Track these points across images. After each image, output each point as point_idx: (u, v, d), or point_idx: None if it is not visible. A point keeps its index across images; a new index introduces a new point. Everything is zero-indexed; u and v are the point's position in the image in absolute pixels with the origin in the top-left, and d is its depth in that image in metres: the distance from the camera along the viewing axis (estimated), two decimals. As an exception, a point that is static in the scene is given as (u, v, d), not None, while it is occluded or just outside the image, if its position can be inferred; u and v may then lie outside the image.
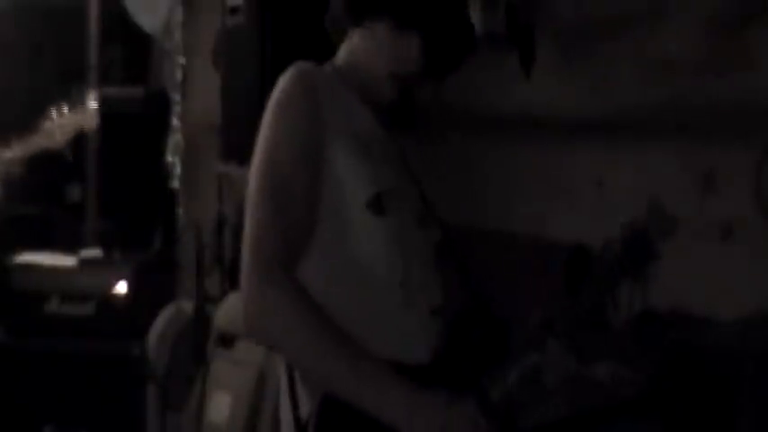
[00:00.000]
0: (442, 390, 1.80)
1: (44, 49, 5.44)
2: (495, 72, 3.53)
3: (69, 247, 4.81)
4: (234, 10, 3.59)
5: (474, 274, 1.99)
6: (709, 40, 3.02)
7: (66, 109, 3.84)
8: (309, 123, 1.85)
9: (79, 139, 4.72)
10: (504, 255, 3.35)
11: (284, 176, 1.83)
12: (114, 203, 5.31)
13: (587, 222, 3.29)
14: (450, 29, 1.97)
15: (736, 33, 2.95)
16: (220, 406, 3.62)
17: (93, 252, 4.73)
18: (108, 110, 4.95)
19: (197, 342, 3.91)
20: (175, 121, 4.89)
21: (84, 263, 4.62)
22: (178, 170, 4.85)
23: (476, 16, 3.09)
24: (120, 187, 5.28)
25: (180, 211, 5.01)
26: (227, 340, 3.72)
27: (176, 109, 4.91)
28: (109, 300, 4.45)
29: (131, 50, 5.59)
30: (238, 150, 3.47)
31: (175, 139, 4.87)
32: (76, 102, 3.70)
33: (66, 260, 4.64)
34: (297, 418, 1.86)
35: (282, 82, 1.88)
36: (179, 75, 4.91)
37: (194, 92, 4.85)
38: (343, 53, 2.01)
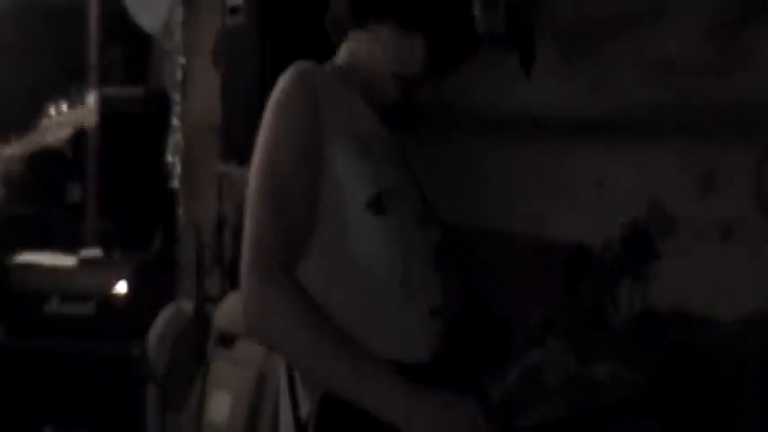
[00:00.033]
0: (441, 390, 1.80)
1: (44, 49, 5.44)
2: (495, 72, 3.53)
3: (69, 247, 4.81)
4: (234, 10, 3.59)
5: (474, 274, 1.99)
6: (710, 40, 3.02)
7: (64, 106, 3.84)
8: (309, 123, 1.85)
9: (79, 138, 4.74)
10: (504, 255, 3.35)
11: (284, 176, 1.83)
12: (114, 203, 5.32)
13: (587, 222, 3.29)
14: (454, 28, 1.97)
15: (736, 33, 2.95)
16: (220, 406, 3.62)
17: (93, 252, 4.73)
18: (108, 110, 4.97)
19: (197, 342, 3.91)
20: (175, 121, 4.90)
21: (84, 263, 4.63)
22: (178, 170, 4.85)
23: (476, 16, 3.10)
24: (120, 187, 5.29)
25: (180, 211, 5.01)
26: (227, 340, 3.72)
27: (176, 109, 4.91)
28: (109, 300, 4.45)
29: (131, 50, 5.59)
30: (238, 150, 3.47)
31: (175, 139, 4.87)
32: (76, 101, 3.71)
33: (66, 260, 4.64)
34: (297, 418, 1.86)
35: (282, 82, 1.88)
36: (179, 75, 4.91)
37: (194, 92, 4.85)
38: (343, 53, 2.01)
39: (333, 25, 2.03)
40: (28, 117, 3.74)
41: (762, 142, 2.88)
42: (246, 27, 3.51)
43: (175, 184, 4.89)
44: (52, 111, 3.79)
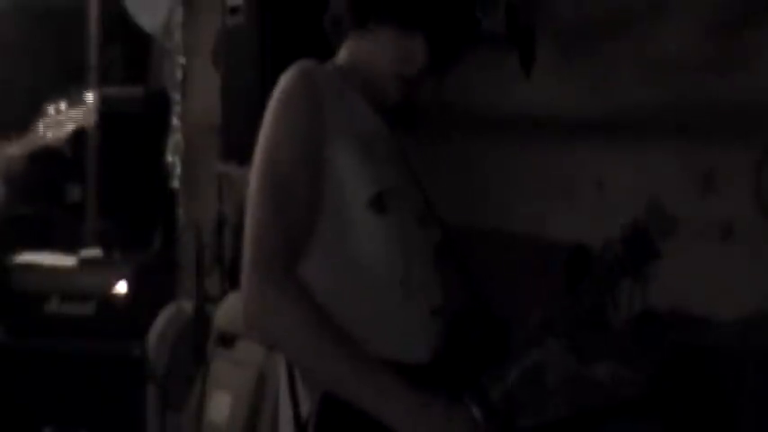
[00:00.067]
0: (442, 392, 1.80)
1: (44, 49, 5.43)
2: (495, 72, 3.53)
3: (69, 247, 4.80)
4: (234, 10, 3.59)
5: (474, 274, 1.99)
6: (710, 41, 3.02)
7: (63, 106, 3.84)
8: (311, 122, 1.85)
9: (79, 138, 4.73)
10: (504, 255, 3.35)
11: (285, 176, 1.83)
12: (114, 203, 5.31)
13: (587, 222, 3.30)
14: (454, 27, 1.97)
15: (736, 33, 2.95)
16: (220, 406, 3.62)
17: (93, 252, 4.73)
18: (108, 110, 4.96)
19: (197, 342, 3.91)
20: (175, 121, 4.89)
21: (84, 263, 4.62)
22: (178, 170, 4.84)
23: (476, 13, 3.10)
24: (120, 187, 5.28)
25: (180, 211, 5.01)
26: (227, 340, 3.72)
27: (176, 109, 4.91)
28: (109, 300, 4.45)
29: (131, 50, 5.59)
30: (238, 150, 3.47)
31: (175, 139, 4.86)
32: (76, 101, 3.71)
33: (66, 260, 4.64)
34: (297, 417, 1.86)
35: (284, 81, 1.88)
36: (179, 75, 4.91)
37: (194, 92, 4.85)
38: (344, 53, 2.01)
39: (332, 26, 2.03)
40: (28, 117, 3.73)
41: (762, 142, 2.88)
42: (246, 27, 3.51)
43: (175, 184, 4.88)
44: (51, 110, 3.77)
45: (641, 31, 3.21)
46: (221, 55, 3.81)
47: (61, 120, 3.75)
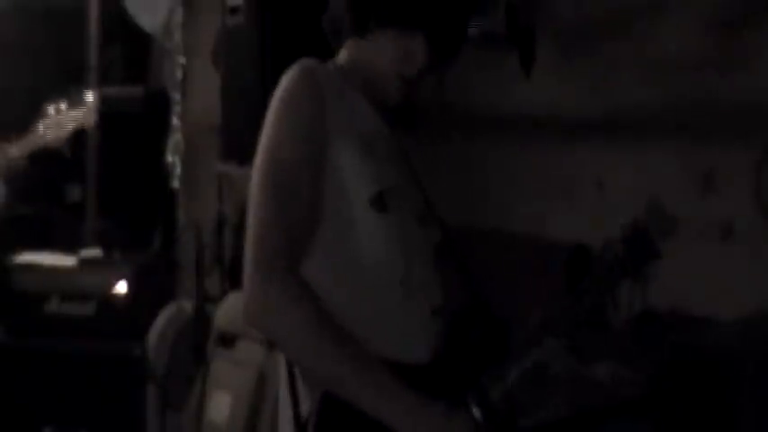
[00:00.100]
0: (442, 392, 1.80)
1: (44, 50, 5.43)
2: (495, 72, 3.53)
3: (69, 247, 4.80)
4: (234, 10, 3.59)
5: (474, 274, 1.99)
6: (710, 40, 3.02)
7: (63, 106, 3.83)
8: (313, 122, 1.85)
9: (79, 138, 4.72)
10: (504, 255, 3.35)
11: (287, 176, 1.83)
12: (114, 203, 5.31)
13: (587, 222, 3.30)
14: (454, 27, 1.97)
15: (736, 33, 2.95)
16: (220, 406, 3.62)
17: (93, 252, 4.72)
18: (108, 110, 4.95)
19: (197, 342, 3.91)
20: (175, 121, 4.89)
21: (84, 263, 4.61)
22: (178, 170, 4.84)
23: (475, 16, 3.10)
24: (120, 187, 5.28)
25: (180, 211, 5.01)
26: (227, 340, 3.72)
27: (176, 109, 4.90)
28: (109, 300, 4.44)
29: (131, 50, 5.58)
30: (238, 150, 3.47)
31: (175, 139, 4.86)
32: (76, 102, 3.70)
33: (66, 260, 4.63)
34: (297, 416, 1.86)
35: (286, 80, 1.88)
36: (179, 75, 4.91)
37: (194, 92, 4.84)
38: (344, 54, 2.01)
39: (331, 27, 2.03)
40: (28, 117, 3.73)
41: (762, 142, 2.88)
42: (246, 27, 3.51)
43: (175, 184, 4.88)
44: (51, 111, 3.77)
45: (641, 31, 3.21)
46: (221, 55, 3.81)
47: (61, 120, 3.75)
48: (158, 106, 5.11)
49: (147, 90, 5.41)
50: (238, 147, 3.45)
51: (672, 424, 2.70)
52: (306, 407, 1.85)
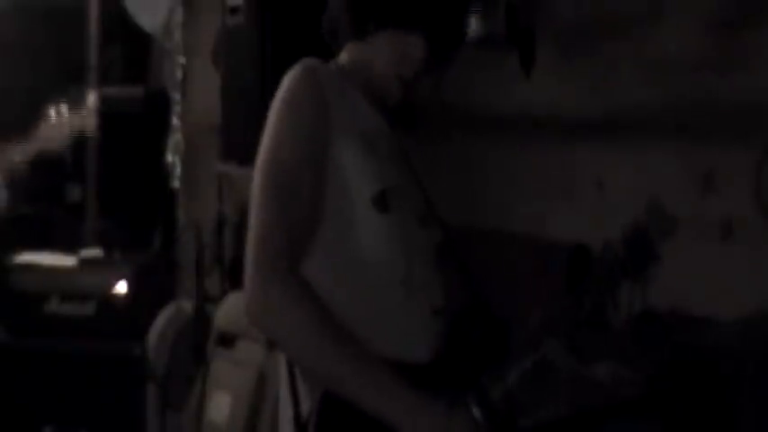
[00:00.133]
0: (443, 393, 1.81)
1: (44, 49, 5.43)
2: (495, 72, 3.53)
3: (69, 247, 4.80)
4: (234, 10, 3.59)
5: (474, 275, 1.99)
6: (709, 40, 3.02)
7: (64, 109, 3.84)
8: (315, 122, 1.85)
9: (79, 139, 4.73)
10: (504, 255, 3.35)
11: (289, 176, 1.83)
12: (114, 203, 5.31)
13: (587, 222, 3.30)
14: (452, 27, 1.97)
15: (736, 33, 2.95)
16: (220, 406, 3.62)
17: (93, 252, 4.73)
18: (108, 110, 4.96)
19: (197, 342, 3.91)
20: (175, 121, 4.89)
21: (84, 263, 4.62)
22: (178, 170, 4.84)
23: (476, 16, 3.10)
24: (120, 187, 5.28)
25: (180, 211, 5.01)
26: (227, 340, 3.72)
27: (176, 109, 4.91)
28: (109, 300, 4.44)
29: (131, 50, 5.58)
30: (238, 150, 3.47)
31: (175, 139, 4.86)
32: (76, 101, 3.71)
33: (66, 260, 4.64)
34: (297, 416, 1.86)
35: (288, 80, 1.88)
36: (179, 74, 4.91)
37: (194, 92, 4.85)
38: (345, 54, 2.01)
39: (330, 31, 2.03)
40: (28, 117, 3.74)
41: (762, 142, 2.87)
42: (246, 27, 3.51)
43: (175, 184, 4.89)
44: (52, 113, 3.78)
45: (641, 31, 3.21)
46: (221, 55, 3.81)
47: (62, 125, 3.76)
48: (158, 106, 5.11)
49: (147, 90, 5.41)
50: (238, 147, 3.45)
51: (672, 424, 2.70)
52: (306, 406, 1.85)
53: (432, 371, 1.87)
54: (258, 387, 3.45)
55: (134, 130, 5.20)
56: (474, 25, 3.15)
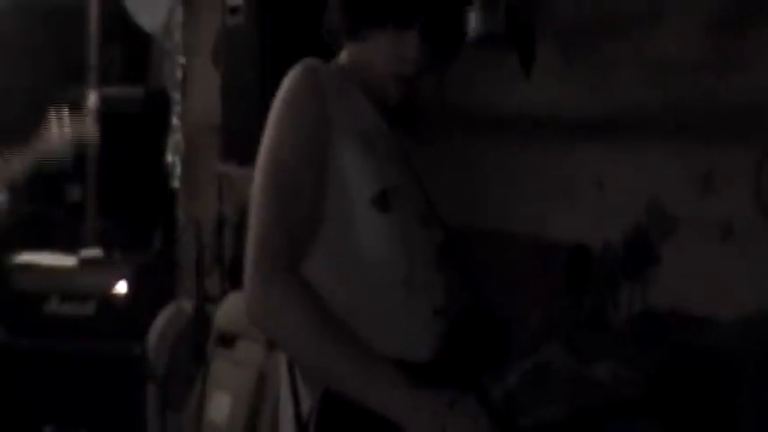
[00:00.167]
0: (444, 389, 1.81)
1: (44, 49, 5.43)
2: (495, 72, 3.53)
3: (69, 247, 4.80)
4: (234, 10, 3.59)
5: (475, 275, 1.99)
6: (709, 41, 3.02)
7: (65, 113, 3.85)
8: (316, 122, 1.85)
9: (80, 144, 4.72)
10: (504, 255, 3.35)
11: (290, 176, 1.83)
12: (114, 203, 5.31)
13: (587, 222, 3.29)
14: (449, 25, 1.97)
15: (735, 33, 2.95)
16: (220, 406, 3.62)
17: (93, 252, 4.73)
18: (108, 110, 4.96)
19: (197, 342, 3.91)
20: (175, 121, 4.89)
21: (84, 263, 4.62)
22: (178, 170, 4.85)
23: (476, 16, 3.10)
24: (120, 187, 5.28)
25: (180, 211, 5.01)
26: (227, 340, 3.72)
27: (176, 109, 4.91)
28: (109, 300, 4.44)
29: (131, 50, 5.58)
30: (238, 150, 3.47)
31: (175, 138, 4.87)
32: (76, 102, 3.71)
33: (66, 260, 4.64)
34: (298, 415, 1.87)
35: (288, 80, 1.88)
36: (179, 74, 4.91)
37: (194, 91, 4.85)
38: (345, 54, 2.01)
39: (330, 31, 2.03)
40: (28, 118, 3.74)
41: (762, 142, 2.88)
42: (246, 27, 3.51)
43: (175, 184, 4.89)
44: (53, 120, 3.80)
45: (641, 32, 3.21)
46: (221, 55, 3.81)
47: (63, 131, 3.78)
48: (158, 106, 5.11)
49: (147, 90, 5.41)
50: (238, 147, 3.45)
51: (672, 424, 2.70)
52: (306, 406, 1.85)
53: (432, 370, 1.87)
54: (258, 387, 3.45)
55: (134, 129, 5.19)
56: (474, 25, 3.15)
